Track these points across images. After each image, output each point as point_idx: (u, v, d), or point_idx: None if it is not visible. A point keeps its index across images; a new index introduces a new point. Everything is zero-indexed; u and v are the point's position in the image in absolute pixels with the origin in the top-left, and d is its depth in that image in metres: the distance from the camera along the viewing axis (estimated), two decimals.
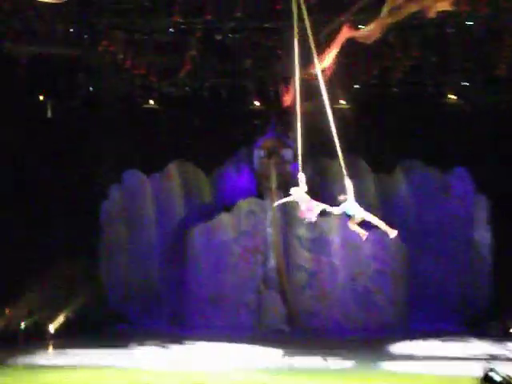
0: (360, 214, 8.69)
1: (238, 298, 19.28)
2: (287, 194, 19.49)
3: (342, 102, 18.33)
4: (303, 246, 19.45)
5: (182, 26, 15.49)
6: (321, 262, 19.35)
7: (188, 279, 19.73)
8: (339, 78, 16.30)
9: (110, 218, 20.56)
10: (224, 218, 19.78)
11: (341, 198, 8.75)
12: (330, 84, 15.79)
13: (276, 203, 9.99)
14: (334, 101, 18.22)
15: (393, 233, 8.83)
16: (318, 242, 19.40)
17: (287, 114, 17.70)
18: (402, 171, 20.77)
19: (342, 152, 8.95)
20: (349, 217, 8.81)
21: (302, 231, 19.46)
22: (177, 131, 20.00)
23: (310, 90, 16.49)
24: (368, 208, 20.78)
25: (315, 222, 19.12)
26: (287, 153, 19.71)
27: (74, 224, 18.93)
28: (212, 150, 20.40)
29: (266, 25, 15.75)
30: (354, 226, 8.88)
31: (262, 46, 16.47)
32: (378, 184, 20.83)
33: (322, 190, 20.59)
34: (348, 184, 8.69)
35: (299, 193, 8.78)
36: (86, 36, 15.71)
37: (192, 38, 15.86)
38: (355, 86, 18.35)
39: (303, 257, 19.40)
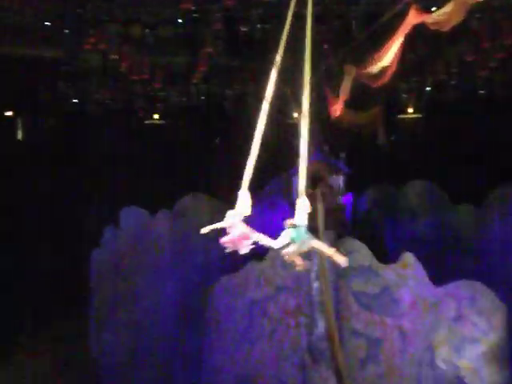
0: (308, 242, 8.83)
1: (275, 377, 18.99)
2: (338, 237, 19.66)
3: (409, 110, 18.43)
4: (362, 304, 19.06)
5: (195, 15, 15.54)
6: (386, 326, 18.85)
7: (208, 352, 19.53)
8: (405, 77, 16.58)
9: (102, 271, 20.55)
10: (254, 268, 19.62)
11: (288, 222, 8.79)
12: (393, 86, 16.01)
13: (204, 230, 9.45)
14: (398, 109, 18.81)
15: (344, 261, 8.84)
16: (383, 299, 18.99)
17: (336, 128, 17.94)
18: (497, 201, 20.65)
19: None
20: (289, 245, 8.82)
21: (359, 285, 19.13)
22: (190, 154, 20.09)
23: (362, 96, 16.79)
24: (446, 252, 20.69)
25: (378, 272, 19.29)
26: (338, 181, 19.81)
27: (57, 277, 18.99)
28: (237, 180, 20.42)
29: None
30: (293, 257, 9.05)
31: (301, 39, 16.52)
32: (462, 220, 20.90)
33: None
34: (302, 204, 8.70)
35: (237, 218, 8.74)
36: (67, 31, 15.79)
37: (208, 31, 15.92)
38: (427, 89, 18.32)
39: (362, 319, 19.00)
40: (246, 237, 8.85)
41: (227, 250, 9.10)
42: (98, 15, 15.33)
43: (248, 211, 8.97)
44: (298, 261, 8.95)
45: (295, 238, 8.80)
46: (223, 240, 8.86)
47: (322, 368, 18.72)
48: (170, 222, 20.93)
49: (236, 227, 8.91)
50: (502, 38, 15.66)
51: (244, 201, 9.06)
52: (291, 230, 8.77)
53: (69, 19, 15.38)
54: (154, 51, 16.54)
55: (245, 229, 8.85)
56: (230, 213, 8.97)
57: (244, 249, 8.98)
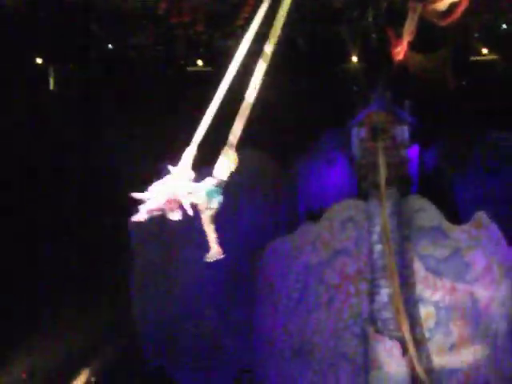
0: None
1: (334, 349, 19.04)
2: (403, 193, 19.41)
3: (482, 50, 18.02)
4: (430, 269, 19.01)
5: None
6: (457, 293, 18.81)
7: (259, 323, 19.72)
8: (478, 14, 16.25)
9: (143, 235, 20.73)
10: (310, 230, 19.70)
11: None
12: (464, 24, 15.63)
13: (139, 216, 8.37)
14: (470, 50, 18.48)
15: (213, 255, 8.46)
16: (453, 264, 18.93)
17: (400, 72, 17.75)
18: None
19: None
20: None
21: (427, 247, 19.11)
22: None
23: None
24: None
25: (448, 233, 18.99)
26: (402, 131, 19.57)
27: (93, 248, 19.17)
28: (289, 132, 20.45)
29: None
30: (209, 226, 8.57)
31: None
32: None
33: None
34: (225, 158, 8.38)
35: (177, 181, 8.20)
36: None
37: None
38: (503, 27, 17.84)
39: (431, 285, 18.97)
40: (175, 200, 8.28)
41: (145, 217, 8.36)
42: None
43: (190, 173, 8.44)
44: (212, 238, 8.36)
45: (209, 195, 8.23)
46: (149, 208, 8.26)
47: (386, 339, 18.61)
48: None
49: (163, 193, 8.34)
50: None
51: (188, 160, 8.48)
52: (212, 188, 8.21)
53: None
54: None
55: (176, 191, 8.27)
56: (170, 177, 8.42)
57: (175, 214, 8.45)
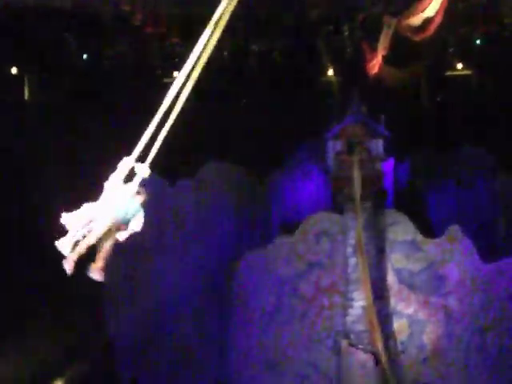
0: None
1: (307, 361, 18.99)
2: (377, 207, 19.39)
3: (457, 65, 18.22)
4: (404, 282, 19.06)
5: None
6: (431, 306, 18.87)
7: (233, 334, 19.58)
8: (452, 29, 16.41)
9: (117, 245, 20.31)
10: (284, 242, 19.58)
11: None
12: (438, 39, 15.74)
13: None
14: (445, 64, 18.59)
15: (94, 272, 7.68)
16: (427, 277, 18.98)
17: (375, 86, 17.82)
18: None
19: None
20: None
21: (401, 260, 19.14)
22: (213, 117, 20.04)
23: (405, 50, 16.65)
24: (495, 224, 20.64)
25: (421, 247, 18.98)
26: (377, 145, 19.59)
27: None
28: (266, 145, 20.45)
29: None
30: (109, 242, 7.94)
31: None
32: None
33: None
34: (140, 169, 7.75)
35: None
36: None
37: None
38: (476, 42, 18.08)
39: (404, 298, 19.02)
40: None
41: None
42: None
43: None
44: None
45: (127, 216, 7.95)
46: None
47: (360, 354, 18.73)
48: (190, 193, 20.88)
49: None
50: None
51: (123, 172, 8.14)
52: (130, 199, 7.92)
53: None
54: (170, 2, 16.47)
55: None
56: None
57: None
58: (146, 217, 21.03)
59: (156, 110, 18.81)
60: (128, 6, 16.35)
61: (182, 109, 7.34)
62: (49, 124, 19.26)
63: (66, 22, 17.06)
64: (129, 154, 7.73)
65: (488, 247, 19.37)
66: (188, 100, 7.65)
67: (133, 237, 20.06)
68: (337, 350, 18.88)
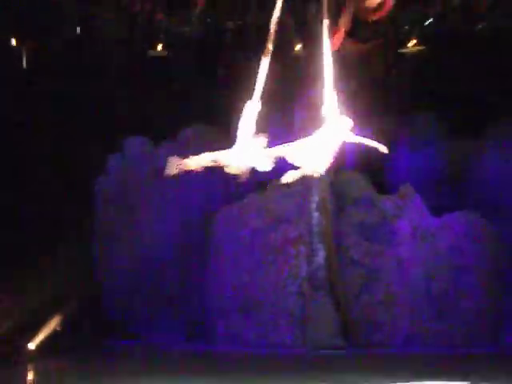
0: None
1: (275, 304, 19.00)
2: (338, 167, 19.37)
3: (410, 42, 18.18)
4: (361, 234, 19.15)
5: None
6: (384, 255, 18.99)
7: (210, 281, 19.65)
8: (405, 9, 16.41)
9: (107, 198, 20.54)
10: (256, 199, 19.63)
11: None
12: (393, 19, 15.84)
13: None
14: (399, 41, 18.60)
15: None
16: (381, 230, 19.08)
17: (337, 61, 17.78)
18: (494, 133, 20.65)
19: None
20: None
21: (359, 215, 19.25)
22: (193, 84, 19.95)
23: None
24: (442, 183, 20.73)
25: (377, 203, 19.11)
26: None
27: (61, 206, 18.86)
28: (240, 108, 20.31)
29: None
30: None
31: None
32: (460, 151, 20.95)
33: None
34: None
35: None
36: None
37: None
38: (427, 22, 18.02)
39: (361, 249, 19.14)
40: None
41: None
42: None
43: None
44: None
45: None
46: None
47: (321, 296, 18.82)
48: (172, 152, 20.74)
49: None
50: None
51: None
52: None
53: None
54: None
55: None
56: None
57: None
58: (134, 174, 20.98)
59: (140, 79, 18.48)
60: None
61: None
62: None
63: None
64: None
65: (436, 203, 19.50)
66: None
67: (121, 192, 19.99)
68: (302, 295, 18.86)
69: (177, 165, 8.19)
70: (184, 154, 20.58)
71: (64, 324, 18.30)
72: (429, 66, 18.67)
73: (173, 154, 20.44)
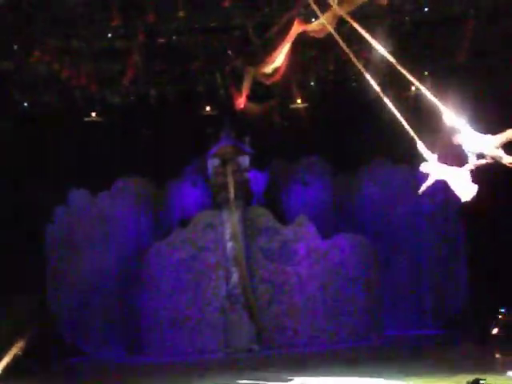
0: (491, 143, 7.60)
1: (201, 318, 19.28)
2: (246, 204, 19.69)
3: (298, 101, 18.43)
4: (267, 257, 19.51)
5: (122, 30, 15.28)
6: (287, 272, 19.43)
7: (146, 303, 19.68)
8: (294, 75, 16.52)
9: (55, 242, 20.40)
10: (181, 233, 19.78)
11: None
12: (284, 83, 16.02)
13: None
14: (289, 100, 18.81)
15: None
16: (283, 252, 19.49)
17: (241, 117, 17.96)
18: (367, 170, 21.29)
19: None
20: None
21: (264, 242, 19.59)
22: (124, 144, 19.82)
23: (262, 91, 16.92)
24: (330, 211, 20.87)
25: (279, 231, 19.34)
26: (244, 160, 19.76)
27: (15, 252, 18.51)
28: (163, 163, 20.40)
29: (213, 24, 15.65)
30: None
31: (210, 47, 16.37)
32: (342, 185, 21.41)
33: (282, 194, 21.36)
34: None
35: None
36: (16, 47, 15.35)
37: (134, 43, 15.70)
38: (311, 84, 18.40)
39: (268, 269, 19.46)
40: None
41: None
42: (41, 33, 14.92)
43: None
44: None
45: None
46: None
47: (239, 310, 19.03)
48: (108, 201, 20.85)
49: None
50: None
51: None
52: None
53: (17, 37, 14.97)
54: (90, 61, 16.11)
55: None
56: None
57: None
58: (77, 220, 20.64)
59: (76, 142, 17.89)
60: (57, 65, 15.89)
61: None
62: None
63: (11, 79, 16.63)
64: None
65: (325, 228, 20.00)
66: None
67: (66, 235, 19.28)
68: (222, 310, 19.14)
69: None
70: (116, 202, 20.65)
71: (25, 349, 17.79)
72: (313, 119, 18.93)
73: (107, 203, 20.65)
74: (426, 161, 8.43)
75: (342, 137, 20.04)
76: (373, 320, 19.49)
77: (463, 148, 8.04)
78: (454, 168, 8.22)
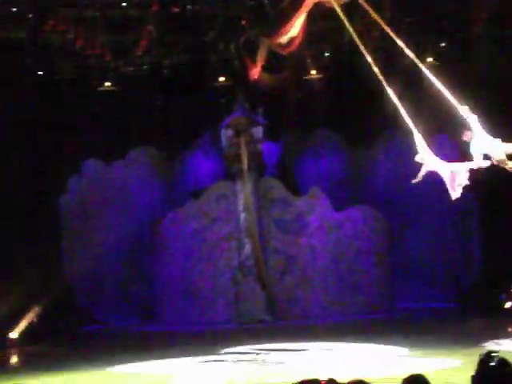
0: (500, 147, 7.59)
1: (213, 289, 19.30)
2: (259, 176, 19.64)
3: (312, 72, 18.31)
4: (280, 228, 19.46)
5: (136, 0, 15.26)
6: (300, 244, 19.39)
7: (159, 272, 19.78)
8: (309, 46, 16.34)
9: (70, 211, 20.45)
10: (194, 204, 19.76)
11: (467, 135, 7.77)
12: (299, 54, 15.85)
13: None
14: (304, 71, 18.69)
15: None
16: (296, 224, 19.43)
17: (255, 88, 17.83)
18: (381, 142, 21.15)
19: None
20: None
21: (277, 213, 19.53)
22: (137, 114, 19.77)
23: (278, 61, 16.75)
24: (343, 184, 20.79)
25: (292, 203, 19.31)
26: (257, 130, 19.63)
27: (32, 220, 18.58)
28: (176, 133, 20.43)
29: None
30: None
31: (225, 17, 16.24)
32: (356, 158, 21.32)
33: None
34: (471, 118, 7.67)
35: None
36: (30, 16, 15.29)
37: (148, 12, 15.64)
38: (326, 54, 18.26)
39: (280, 240, 19.43)
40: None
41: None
42: (55, 2, 14.88)
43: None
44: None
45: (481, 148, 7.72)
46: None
47: (251, 281, 19.05)
48: (122, 170, 20.88)
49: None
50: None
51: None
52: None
53: (31, 6, 14.94)
54: (104, 30, 16.02)
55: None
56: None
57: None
58: (91, 190, 20.69)
59: (92, 109, 17.94)
60: (71, 34, 15.84)
61: None
62: None
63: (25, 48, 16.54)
64: None
65: (338, 200, 19.86)
66: None
67: (80, 205, 19.30)
68: (234, 281, 19.22)
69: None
70: (130, 172, 20.64)
71: (40, 314, 17.99)
72: (327, 90, 18.81)
73: (121, 172, 20.71)
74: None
75: (356, 109, 19.82)
76: (385, 292, 19.55)
77: (471, 146, 7.95)
78: (454, 163, 8.22)
